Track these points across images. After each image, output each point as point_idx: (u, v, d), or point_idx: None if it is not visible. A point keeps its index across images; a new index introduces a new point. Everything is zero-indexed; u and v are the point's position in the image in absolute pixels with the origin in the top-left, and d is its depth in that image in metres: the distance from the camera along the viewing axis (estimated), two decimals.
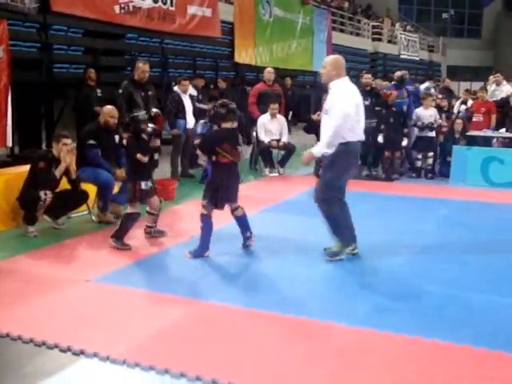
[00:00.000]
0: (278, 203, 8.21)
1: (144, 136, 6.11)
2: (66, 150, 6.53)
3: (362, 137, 5.59)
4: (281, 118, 10.89)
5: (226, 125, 5.62)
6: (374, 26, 27.30)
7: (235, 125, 5.70)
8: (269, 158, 10.69)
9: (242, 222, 5.91)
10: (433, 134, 10.48)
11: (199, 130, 5.77)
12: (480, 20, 38.96)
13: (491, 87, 12.15)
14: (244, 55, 16.20)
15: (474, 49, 37.30)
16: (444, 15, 39.20)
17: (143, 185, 6.02)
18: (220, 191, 5.63)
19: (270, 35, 17.77)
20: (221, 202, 5.70)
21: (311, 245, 6.05)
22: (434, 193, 9.26)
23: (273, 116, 10.67)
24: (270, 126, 10.67)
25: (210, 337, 3.96)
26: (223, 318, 4.30)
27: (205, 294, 4.75)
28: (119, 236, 5.99)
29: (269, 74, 11.27)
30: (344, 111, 5.33)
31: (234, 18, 15.98)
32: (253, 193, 8.35)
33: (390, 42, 28.63)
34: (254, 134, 10.80)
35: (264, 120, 10.65)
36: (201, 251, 5.72)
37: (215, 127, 5.67)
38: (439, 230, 6.96)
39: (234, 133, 5.70)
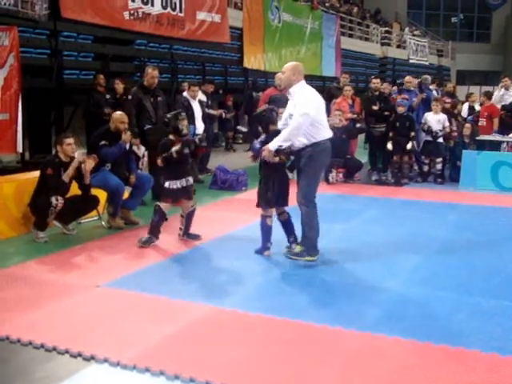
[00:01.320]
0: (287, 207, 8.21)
1: (184, 132, 6.40)
2: (79, 158, 6.59)
3: (329, 134, 5.81)
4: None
5: (274, 127, 5.85)
6: (382, 31, 27.31)
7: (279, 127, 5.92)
8: None
9: (287, 226, 6.02)
10: (440, 139, 10.46)
11: (258, 145, 5.89)
12: (489, 24, 38.82)
13: (500, 92, 12.11)
14: (253, 60, 16.24)
15: (483, 53, 37.16)
16: (453, 19, 39.13)
17: (167, 184, 6.24)
18: (275, 191, 5.78)
19: (279, 40, 17.80)
20: (277, 201, 5.85)
21: (320, 248, 6.05)
22: (444, 197, 9.24)
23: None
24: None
25: (219, 342, 3.97)
26: (233, 324, 4.31)
27: (215, 299, 4.75)
28: (150, 232, 6.30)
29: (280, 79, 11.19)
30: (303, 110, 5.54)
31: (243, 23, 16.03)
32: None
33: (399, 46, 28.62)
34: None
35: None
36: (261, 250, 6.00)
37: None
38: (449, 235, 6.94)
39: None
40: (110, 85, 10.66)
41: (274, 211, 5.93)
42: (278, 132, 5.73)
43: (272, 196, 5.76)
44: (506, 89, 12.01)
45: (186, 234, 6.56)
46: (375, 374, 3.56)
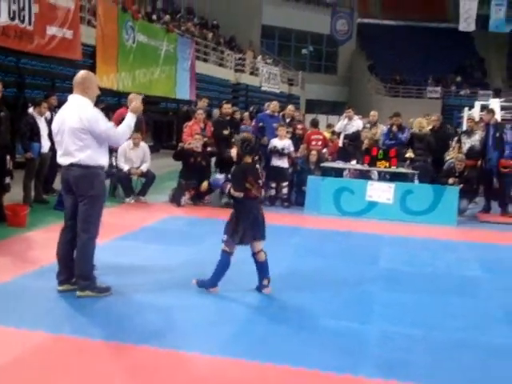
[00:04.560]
0: (134, 231, 8.11)
1: None
2: None
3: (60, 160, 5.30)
4: (144, 146, 10.78)
5: (248, 159, 5.61)
6: (236, 58, 27.98)
7: (254, 159, 5.74)
8: (128, 185, 10.54)
9: (262, 268, 5.69)
10: (285, 164, 10.84)
11: (220, 181, 5.64)
12: (336, 57, 41.15)
13: (344, 121, 12.77)
14: (106, 79, 15.96)
15: (330, 84, 39.23)
16: (303, 51, 41.03)
17: None
18: (247, 227, 5.50)
19: (133, 61, 17.68)
20: (245, 238, 5.54)
21: (162, 272, 6.04)
22: (290, 221, 9.55)
23: (135, 145, 10.52)
24: (131, 154, 10.53)
25: (54, 370, 3.81)
26: (70, 351, 4.15)
27: (51, 326, 4.55)
28: None
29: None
30: None
31: (97, 41, 15.76)
32: (111, 220, 8.13)
33: (252, 73, 29.43)
34: (113, 160, 10.57)
35: (125, 147, 10.46)
36: (208, 283, 5.60)
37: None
38: (292, 258, 7.16)
39: (254, 167, 5.68)
40: None
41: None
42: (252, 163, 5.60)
43: (243, 232, 5.49)
44: (350, 119, 12.69)
45: None
46: None
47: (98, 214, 5.29)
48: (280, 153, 10.65)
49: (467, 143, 11.64)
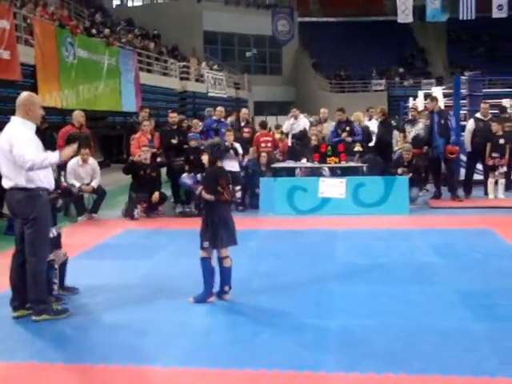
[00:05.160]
0: (89, 249, 8.00)
1: None
2: None
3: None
4: (93, 162, 10.63)
5: (219, 163, 5.66)
6: (181, 66, 27.90)
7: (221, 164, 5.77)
8: (80, 203, 10.39)
9: (226, 274, 5.66)
10: (237, 168, 10.82)
11: (189, 181, 5.57)
12: (280, 58, 41.39)
13: (290, 121, 12.85)
14: (48, 98, 15.68)
15: (277, 85, 39.40)
16: (247, 54, 41.20)
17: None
18: (220, 231, 5.48)
19: (76, 77, 17.43)
20: (222, 242, 5.53)
21: (119, 289, 5.99)
22: (245, 225, 9.46)
23: (84, 161, 10.37)
24: (80, 171, 10.38)
25: None
26: (26, 378, 4.09)
27: (5, 353, 4.46)
28: None
29: (82, 116, 10.96)
30: None
31: (36, 60, 15.49)
32: (64, 240, 7.96)
33: (197, 80, 29.37)
34: (62, 178, 10.40)
35: (74, 165, 10.30)
36: (204, 295, 5.56)
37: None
38: (250, 262, 7.16)
39: (225, 171, 5.71)
40: None
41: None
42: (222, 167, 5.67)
43: (218, 236, 5.50)
44: (296, 118, 12.76)
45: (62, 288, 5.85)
46: None
47: (44, 236, 5.21)
48: (231, 148, 10.58)
49: (411, 132, 11.86)
